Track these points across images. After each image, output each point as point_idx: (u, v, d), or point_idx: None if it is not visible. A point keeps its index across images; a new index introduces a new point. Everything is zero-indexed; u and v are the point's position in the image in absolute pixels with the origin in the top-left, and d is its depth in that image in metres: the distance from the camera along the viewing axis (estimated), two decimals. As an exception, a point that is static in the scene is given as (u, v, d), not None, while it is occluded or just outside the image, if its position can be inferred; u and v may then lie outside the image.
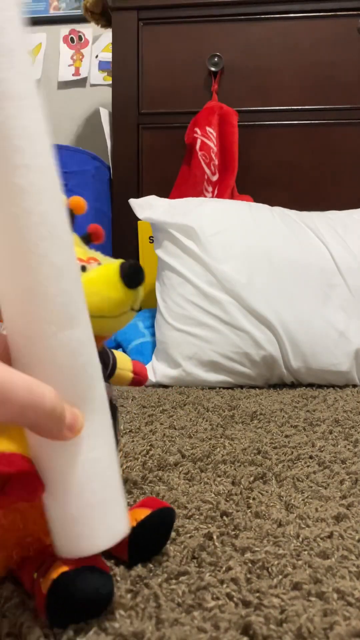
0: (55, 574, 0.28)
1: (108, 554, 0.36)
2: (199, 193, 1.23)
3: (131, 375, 0.43)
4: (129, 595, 0.31)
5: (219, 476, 0.51)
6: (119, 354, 0.43)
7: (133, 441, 0.61)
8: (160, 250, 1.02)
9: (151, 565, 0.35)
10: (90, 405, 0.28)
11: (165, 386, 0.93)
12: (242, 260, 0.96)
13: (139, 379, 0.44)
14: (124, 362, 0.43)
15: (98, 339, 0.34)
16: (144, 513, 0.35)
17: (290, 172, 1.30)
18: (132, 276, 0.32)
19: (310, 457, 0.55)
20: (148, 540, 0.35)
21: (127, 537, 0.34)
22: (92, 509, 0.28)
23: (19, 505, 0.31)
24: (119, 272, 0.32)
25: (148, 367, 0.96)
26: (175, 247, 0.99)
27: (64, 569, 0.28)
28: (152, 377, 0.94)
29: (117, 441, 0.37)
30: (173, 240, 0.99)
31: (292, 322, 0.91)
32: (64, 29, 1.73)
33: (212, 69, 1.28)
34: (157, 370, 0.94)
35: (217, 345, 0.92)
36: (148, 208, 1.04)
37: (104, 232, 0.39)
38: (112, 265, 0.33)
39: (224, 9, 1.27)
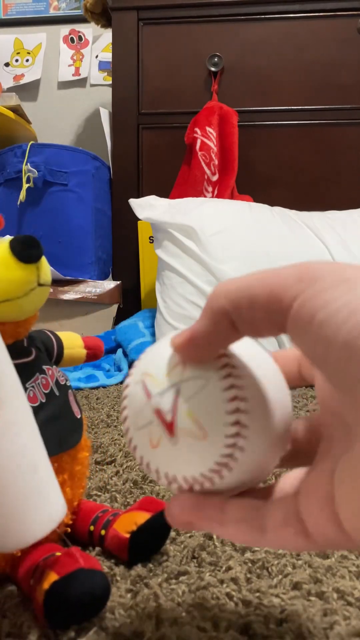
0: (46, 584, 0.28)
1: (108, 553, 0.36)
2: (199, 193, 1.23)
3: (84, 351, 0.42)
4: (129, 595, 0.32)
5: (219, 476, 0.50)
6: (66, 333, 0.42)
7: (133, 441, 0.61)
8: (160, 250, 1.02)
9: (151, 565, 0.35)
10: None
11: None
12: (242, 260, 0.96)
13: (93, 353, 0.43)
14: (72, 341, 0.41)
15: (22, 323, 0.33)
16: (143, 517, 0.35)
17: (290, 172, 1.30)
18: (24, 251, 0.30)
19: (310, 457, 0.55)
20: (148, 543, 0.35)
21: (128, 540, 0.34)
22: (23, 500, 0.26)
23: None
24: (9, 249, 0.30)
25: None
26: (175, 247, 0.99)
27: (54, 577, 0.28)
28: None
29: (80, 420, 0.37)
30: (173, 240, 0.99)
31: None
32: (64, 29, 1.73)
33: (212, 69, 1.28)
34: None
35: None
36: (148, 208, 1.04)
37: (4, 219, 0.37)
38: (1, 245, 0.30)
39: (224, 9, 1.27)
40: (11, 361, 0.28)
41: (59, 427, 0.34)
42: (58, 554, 0.31)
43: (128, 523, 0.35)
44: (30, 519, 0.27)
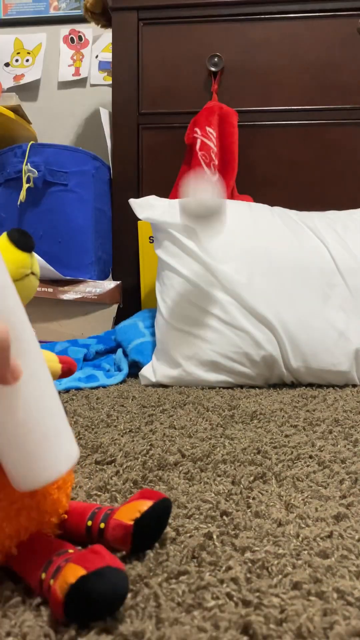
0: (72, 577, 0.28)
1: (108, 546, 0.36)
2: (199, 193, 1.23)
3: (59, 365, 0.44)
4: (129, 595, 0.32)
5: (219, 476, 0.51)
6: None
7: (133, 441, 0.61)
8: (160, 250, 1.02)
9: (151, 565, 0.35)
10: (23, 346, 0.30)
11: (165, 386, 0.93)
12: (242, 260, 0.96)
13: (68, 368, 0.45)
14: (47, 354, 0.43)
15: None
16: (145, 504, 0.36)
17: (290, 172, 1.30)
18: (22, 239, 0.36)
19: (310, 457, 0.55)
20: (151, 529, 0.36)
21: (132, 527, 0.35)
22: (46, 440, 0.30)
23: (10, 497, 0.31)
24: (8, 239, 0.36)
25: (148, 367, 0.96)
26: (175, 247, 0.99)
27: (82, 572, 0.28)
28: (152, 377, 0.94)
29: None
30: (173, 240, 0.99)
31: (291, 321, 0.91)
32: (64, 29, 1.73)
33: (212, 69, 1.28)
34: (157, 370, 0.94)
35: (217, 345, 0.92)
36: (148, 208, 1.04)
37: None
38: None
39: (224, 9, 1.27)
40: (27, 317, 0.31)
41: None
42: (71, 550, 0.31)
43: (131, 512, 0.35)
44: (51, 457, 0.30)
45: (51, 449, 0.30)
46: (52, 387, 0.31)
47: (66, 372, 0.44)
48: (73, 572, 0.28)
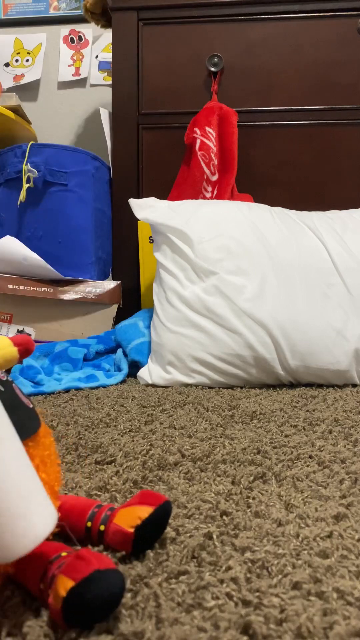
0: (63, 591, 0.28)
1: (109, 550, 0.36)
2: (197, 193, 1.23)
3: (15, 349, 0.41)
4: (129, 595, 0.32)
5: (219, 476, 0.51)
6: None
7: (133, 441, 0.61)
8: (158, 253, 1.02)
9: (151, 565, 0.35)
10: None
11: (164, 386, 0.93)
12: (239, 261, 0.96)
13: (24, 349, 0.42)
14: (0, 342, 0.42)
15: None
16: (145, 511, 0.35)
17: (290, 172, 1.30)
18: None
19: (310, 457, 0.55)
20: (152, 535, 0.36)
21: (132, 535, 0.35)
22: (9, 514, 0.27)
23: None
24: None
25: (144, 368, 0.96)
26: (172, 250, 0.99)
27: (71, 583, 0.28)
28: (147, 379, 0.94)
29: (33, 409, 0.37)
30: (170, 242, 0.99)
31: (289, 321, 0.91)
32: (64, 29, 1.73)
33: (212, 69, 1.28)
34: (152, 372, 0.94)
35: (211, 347, 0.92)
36: (147, 208, 1.04)
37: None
38: None
39: (224, 9, 1.27)
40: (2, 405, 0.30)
41: (14, 416, 0.34)
42: (64, 554, 0.31)
43: (131, 517, 0.35)
44: (15, 535, 0.27)
45: (16, 525, 0.27)
46: (20, 454, 0.29)
47: (24, 354, 0.42)
48: (63, 585, 0.28)
